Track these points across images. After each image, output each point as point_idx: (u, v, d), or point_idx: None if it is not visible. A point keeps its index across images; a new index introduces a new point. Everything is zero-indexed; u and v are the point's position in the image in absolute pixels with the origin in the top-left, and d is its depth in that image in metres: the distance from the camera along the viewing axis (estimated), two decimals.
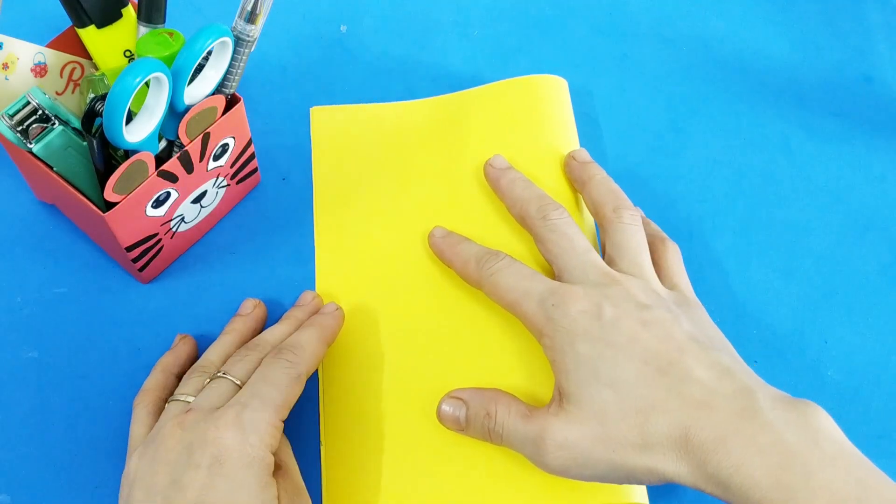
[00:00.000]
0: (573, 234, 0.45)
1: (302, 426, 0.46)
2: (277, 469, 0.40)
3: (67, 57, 0.47)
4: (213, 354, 0.44)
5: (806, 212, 0.55)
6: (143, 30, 0.46)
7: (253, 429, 0.38)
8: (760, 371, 0.50)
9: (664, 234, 0.49)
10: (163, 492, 0.37)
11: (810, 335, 0.51)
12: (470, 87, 0.58)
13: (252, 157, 0.50)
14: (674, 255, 0.47)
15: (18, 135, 0.41)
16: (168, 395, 0.44)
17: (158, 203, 0.45)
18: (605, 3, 0.63)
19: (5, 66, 0.44)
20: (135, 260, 0.47)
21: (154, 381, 0.44)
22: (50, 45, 0.46)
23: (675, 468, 0.38)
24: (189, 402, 0.41)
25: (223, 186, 0.49)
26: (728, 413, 0.37)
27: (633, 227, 0.46)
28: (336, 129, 0.55)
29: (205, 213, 0.50)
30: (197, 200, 0.48)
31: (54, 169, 0.42)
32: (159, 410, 0.43)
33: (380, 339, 0.48)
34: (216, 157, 0.47)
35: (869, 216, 0.55)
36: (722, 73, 0.60)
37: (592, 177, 0.49)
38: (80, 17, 0.45)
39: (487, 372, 0.48)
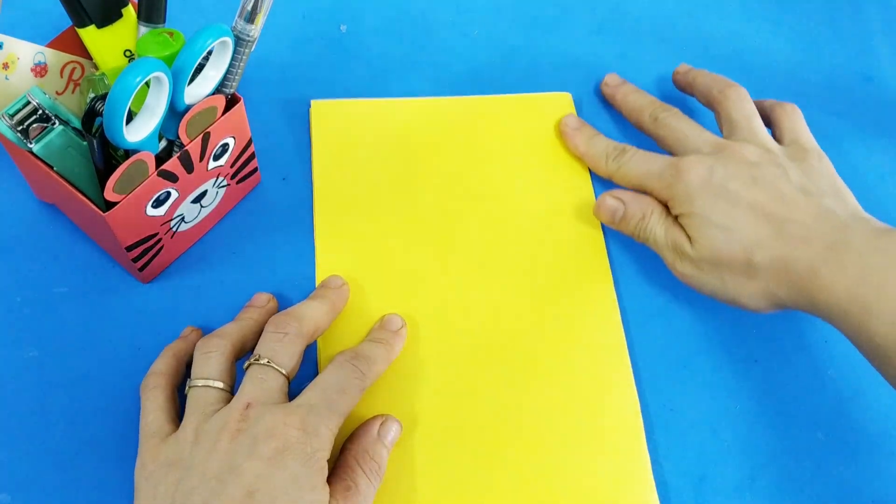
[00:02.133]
0: (683, 125, 0.52)
1: None
2: (343, 483, 0.40)
3: (67, 57, 0.47)
4: (228, 335, 0.44)
5: None
6: (144, 29, 0.46)
7: (315, 433, 0.39)
8: (761, 371, 0.50)
9: (782, 102, 0.53)
10: (218, 476, 0.37)
11: (810, 335, 0.51)
12: (470, 87, 0.58)
13: (252, 156, 0.50)
14: (791, 113, 0.52)
15: (18, 134, 0.41)
16: (177, 383, 0.44)
17: (158, 203, 0.45)
18: (605, 3, 0.63)
19: (5, 66, 0.44)
20: (135, 260, 0.47)
21: (166, 366, 0.44)
22: (50, 45, 0.46)
23: (775, 294, 0.45)
24: (219, 388, 0.41)
25: (223, 186, 0.49)
26: (822, 247, 0.44)
27: (739, 101, 0.52)
28: (336, 123, 0.55)
29: (205, 212, 0.50)
30: (197, 200, 0.48)
31: (54, 169, 0.42)
32: (174, 396, 0.43)
33: None
34: (216, 157, 0.47)
35: None
36: (722, 73, 0.60)
37: (696, 76, 0.56)
38: (80, 16, 0.45)
39: (488, 367, 0.48)
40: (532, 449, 0.46)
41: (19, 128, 0.41)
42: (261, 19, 0.42)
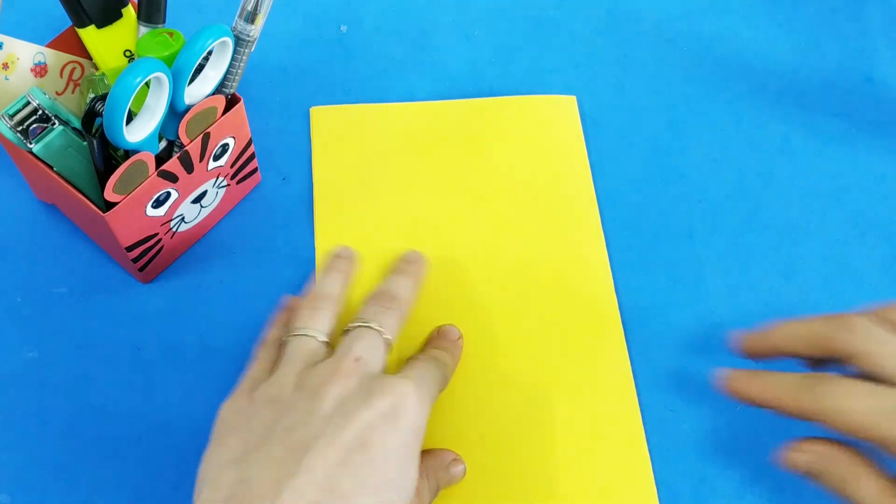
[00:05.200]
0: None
1: None
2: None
3: (67, 57, 0.47)
4: (337, 297, 0.43)
5: (806, 212, 0.55)
6: (143, 30, 0.46)
7: (424, 406, 0.38)
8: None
9: None
10: (328, 417, 0.36)
11: None
12: (470, 87, 0.58)
13: (252, 157, 0.50)
14: None
15: (18, 135, 0.41)
16: None
17: (158, 203, 0.45)
18: (605, 3, 0.63)
19: (5, 66, 0.44)
20: (135, 260, 0.47)
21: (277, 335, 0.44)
22: (50, 45, 0.46)
23: None
24: (323, 341, 0.41)
25: (223, 186, 0.49)
26: None
27: (874, 333, 0.38)
28: (336, 129, 0.55)
29: (205, 213, 0.50)
30: (197, 200, 0.48)
31: (54, 169, 0.42)
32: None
33: None
34: (216, 157, 0.47)
35: (869, 216, 0.55)
36: (722, 73, 0.60)
37: (774, 331, 0.42)
38: (80, 17, 0.45)
39: (490, 369, 0.48)
40: (532, 449, 0.46)
41: (19, 128, 0.41)
42: (261, 20, 0.42)
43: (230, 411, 0.39)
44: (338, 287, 0.44)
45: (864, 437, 0.36)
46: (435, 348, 0.45)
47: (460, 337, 0.47)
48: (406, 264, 0.47)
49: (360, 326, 0.41)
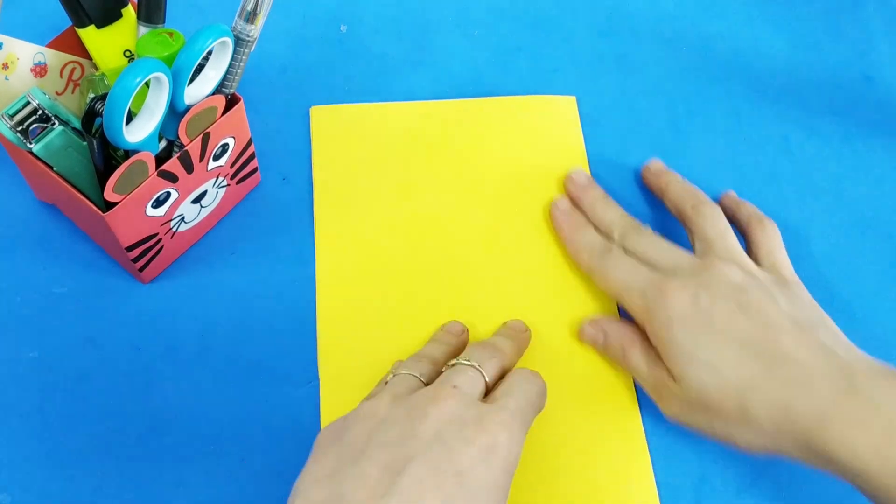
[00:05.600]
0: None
1: (303, 427, 0.46)
2: None
3: (67, 57, 0.47)
4: (429, 353, 0.44)
5: (806, 212, 0.55)
6: (143, 30, 0.46)
7: (518, 442, 0.38)
8: None
9: (761, 214, 0.50)
10: (425, 440, 0.36)
11: None
12: (470, 87, 0.58)
13: (252, 157, 0.50)
14: (771, 234, 0.49)
15: (18, 135, 0.41)
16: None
17: (158, 203, 0.45)
18: (605, 3, 0.63)
19: (5, 66, 0.44)
20: (135, 260, 0.47)
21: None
22: (50, 45, 0.46)
23: (775, 443, 0.41)
24: (423, 381, 0.41)
25: (223, 186, 0.49)
26: (828, 391, 0.39)
27: (713, 218, 0.48)
28: (336, 129, 0.55)
29: (205, 213, 0.50)
30: (197, 200, 0.48)
31: (54, 169, 0.42)
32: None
33: (380, 339, 0.48)
34: (216, 157, 0.47)
35: (869, 216, 0.55)
36: (722, 73, 0.60)
37: (669, 182, 0.52)
38: (80, 17, 0.45)
39: None
40: (533, 450, 0.46)
41: (19, 128, 0.41)
42: (261, 20, 0.42)
43: (328, 430, 0.39)
44: (439, 354, 0.45)
45: (619, 303, 0.48)
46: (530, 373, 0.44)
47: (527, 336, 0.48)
48: (514, 332, 0.48)
49: (461, 363, 0.42)
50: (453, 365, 0.42)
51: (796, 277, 0.47)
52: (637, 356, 0.46)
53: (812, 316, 0.44)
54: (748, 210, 0.51)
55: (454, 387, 0.39)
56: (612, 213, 0.51)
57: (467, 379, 0.40)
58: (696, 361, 0.42)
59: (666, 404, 0.44)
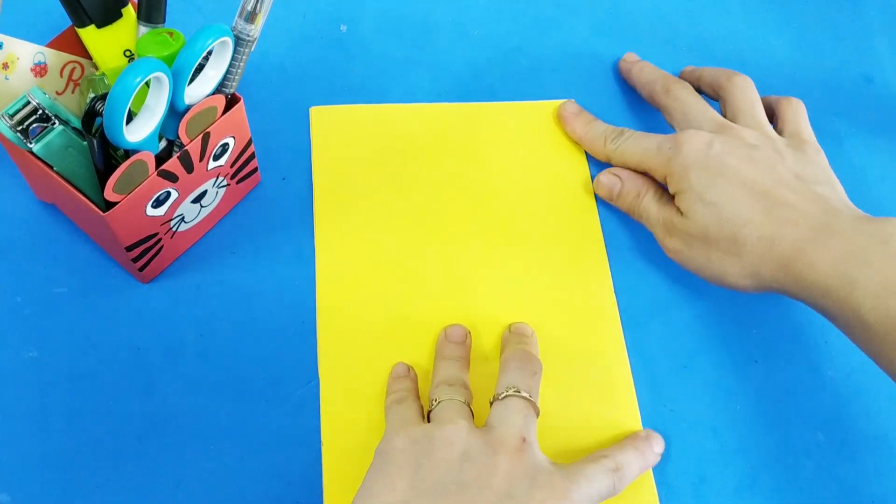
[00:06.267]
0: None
1: (303, 427, 0.46)
2: None
3: (67, 57, 0.47)
4: (455, 376, 0.45)
5: None
6: (143, 29, 0.46)
7: None
8: (761, 371, 0.50)
9: (787, 97, 0.54)
10: (498, 493, 0.38)
11: (810, 335, 0.51)
12: (471, 87, 0.58)
13: (252, 156, 0.50)
14: (796, 107, 0.53)
15: (18, 134, 0.41)
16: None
17: (158, 203, 0.45)
18: (605, 3, 0.63)
19: (5, 66, 0.44)
20: (135, 260, 0.47)
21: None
22: (50, 45, 0.46)
23: (758, 272, 0.46)
24: (463, 402, 0.43)
25: (223, 186, 0.49)
26: (808, 228, 0.45)
27: (745, 89, 0.53)
28: (336, 130, 0.55)
29: (205, 212, 0.50)
30: (197, 200, 0.48)
31: (54, 169, 0.42)
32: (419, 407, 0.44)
33: (380, 338, 0.48)
34: (216, 157, 0.47)
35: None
36: None
37: (703, 70, 0.56)
38: (80, 16, 0.45)
39: (491, 373, 0.48)
40: None
41: (19, 128, 0.41)
42: (261, 19, 0.42)
43: (399, 445, 0.40)
44: (460, 372, 0.46)
45: (640, 170, 0.52)
46: (628, 448, 0.45)
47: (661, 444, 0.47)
48: (525, 337, 0.48)
49: (514, 396, 0.42)
50: (504, 398, 0.42)
51: (815, 142, 0.50)
52: (649, 198, 0.51)
53: (817, 173, 0.48)
54: (774, 97, 0.54)
55: (522, 440, 0.40)
56: (658, 72, 0.56)
57: (525, 421, 0.41)
58: (704, 200, 0.47)
59: (670, 240, 0.49)
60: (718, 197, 0.47)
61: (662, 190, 0.51)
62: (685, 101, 0.53)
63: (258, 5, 0.41)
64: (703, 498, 0.46)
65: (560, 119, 0.56)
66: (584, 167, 0.55)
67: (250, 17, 0.41)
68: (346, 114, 0.56)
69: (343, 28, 0.60)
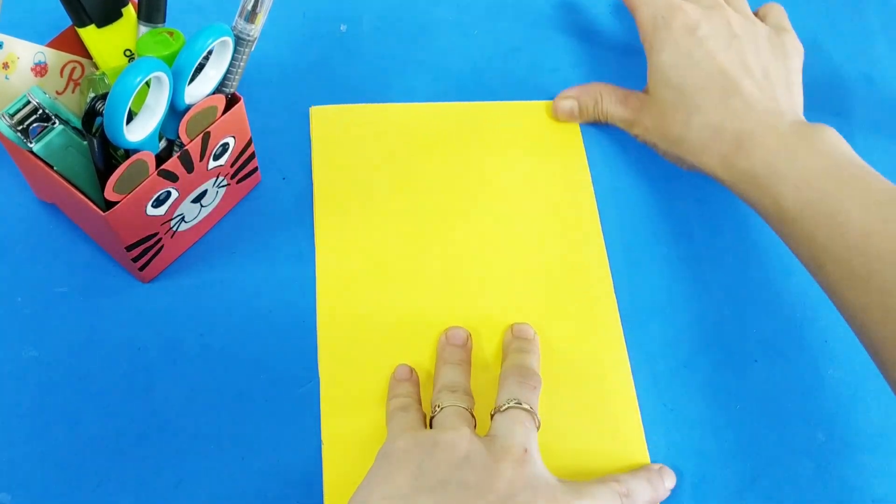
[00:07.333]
0: None
1: (303, 427, 0.46)
2: None
3: (67, 56, 0.47)
4: (458, 382, 0.45)
5: None
6: (144, 29, 0.46)
7: None
8: (760, 371, 0.50)
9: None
10: (500, 495, 0.38)
11: (810, 335, 0.51)
12: (470, 86, 0.58)
13: (252, 156, 0.50)
14: (779, 9, 0.56)
15: (19, 134, 0.41)
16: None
17: (159, 202, 0.45)
18: (605, 2, 0.63)
19: (5, 66, 0.44)
20: (135, 259, 0.47)
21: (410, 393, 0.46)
22: (50, 45, 0.46)
23: (702, 158, 0.49)
24: (465, 409, 0.43)
25: (223, 186, 0.49)
26: (754, 123, 0.48)
27: None
28: (336, 129, 0.55)
29: (205, 212, 0.50)
30: (197, 200, 0.48)
31: (54, 168, 0.42)
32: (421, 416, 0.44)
33: (380, 338, 0.48)
34: (216, 157, 0.47)
35: None
36: None
37: None
38: (81, 16, 0.45)
39: (491, 373, 0.48)
40: None
41: (19, 127, 0.41)
42: (261, 19, 0.42)
43: (398, 448, 0.40)
44: (461, 377, 0.45)
45: (630, 8, 0.55)
46: (641, 478, 0.44)
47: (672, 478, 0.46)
48: (527, 343, 0.48)
49: (515, 408, 0.42)
50: (506, 409, 0.42)
51: (796, 44, 0.53)
52: (609, 101, 0.54)
53: (785, 77, 0.51)
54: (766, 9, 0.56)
55: (525, 450, 0.40)
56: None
57: (527, 433, 0.41)
58: (669, 81, 0.51)
59: (637, 127, 0.53)
60: (683, 82, 0.50)
61: (613, 89, 0.55)
62: None
63: (258, 5, 0.41)
64: (704, 498, 0.46)
65: (555, 112, 0.57)
66: (584, 167, 0.55)
67: (250, 17, 0.41)
68: (346, 113, 0.56)
69: (343, 28, 0.60)
